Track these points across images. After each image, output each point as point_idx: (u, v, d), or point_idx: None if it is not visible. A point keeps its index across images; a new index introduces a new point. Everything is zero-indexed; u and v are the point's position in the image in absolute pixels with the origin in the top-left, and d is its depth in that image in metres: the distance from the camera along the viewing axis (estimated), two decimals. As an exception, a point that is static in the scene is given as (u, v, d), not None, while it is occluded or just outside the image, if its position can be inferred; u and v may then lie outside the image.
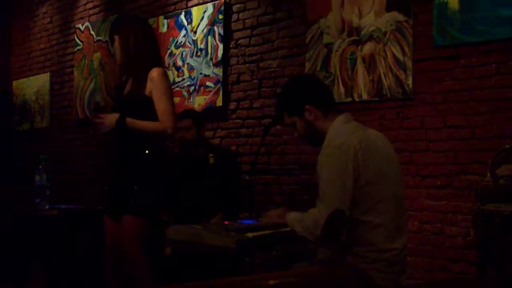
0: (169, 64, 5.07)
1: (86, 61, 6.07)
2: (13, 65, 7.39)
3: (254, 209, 3.41)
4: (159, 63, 3.19)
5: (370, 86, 3.72)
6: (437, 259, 3.38)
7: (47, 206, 3.94)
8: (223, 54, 4.64)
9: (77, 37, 6.23)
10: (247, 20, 4.55)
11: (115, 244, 3.13)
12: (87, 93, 6.02)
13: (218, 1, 4.69)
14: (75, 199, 5.80)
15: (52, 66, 6.68)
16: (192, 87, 4.87)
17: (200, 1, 4.90)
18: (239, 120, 4.57)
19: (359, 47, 3.78)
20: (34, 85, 6.90)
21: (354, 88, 3.80)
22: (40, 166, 3.96)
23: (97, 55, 5.93)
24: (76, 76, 6.21)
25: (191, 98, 4.86)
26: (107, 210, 3.20)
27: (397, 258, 2.23)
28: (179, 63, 5.00)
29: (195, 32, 4.88)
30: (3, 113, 7.16)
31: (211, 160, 3.50)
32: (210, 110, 4.70)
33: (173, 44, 5.06)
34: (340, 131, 2.31)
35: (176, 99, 4.74)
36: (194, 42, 4.88)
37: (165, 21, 5.16)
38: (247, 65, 4.52)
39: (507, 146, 2.83)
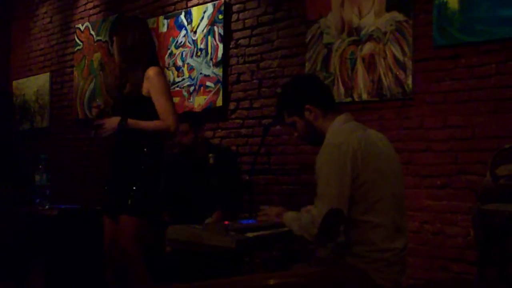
0: (169, 64, 5.07)
1: (86, 61, 6.07)
2: (13, 65, 7.39)
3: (254, 209, 3.41)
4: (156, 62, 3.19)
5: (370, 86, 3.72)
6: (437, 259, 3.38)
7: (47, 206, 3.94)
8: (223, 54, 4.64)
9: (77, 37, 6.23)
10: (247, 20, 4.55)
11: (114, 244, 3.13)
12: (87, 93, 6.03)
13: (218, 1, 4.69)
14: (75, 199, 5.80)
15: (52, 66, 6.68)
16: (192, 87, 4.87)
17: (200, 1, 4.90)
18: (239, 120, 4.57)
19: (359, 47, 3.78)
20: (34, 85, 6.90)
21: (354, 88, 3.80)
22: (40, 166, 3.95)
23: (97, 55, 5.93)
24: (76, 76, 6.21)
25: (191, 98, 4.86)
26: (106, 210, 3.20)
27: (397, 258, 2.23)
28: (179, 63, 5.00)
29: (195, 32, 4.88)
30: (3, 113, 7.15)
31: (211, 160, 3.50)
32: (210, 110, 4.70)
33: (173, 44, 5.07)
34: (340, 130, 2.31)
35: (176, 99, 4.74)
36: (194, 42, 4.88)
37: (165, 21, 5.16)
38: (247, 65, 4.52)
39: (507, 146, 2.83)
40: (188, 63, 4.93)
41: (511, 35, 3.14)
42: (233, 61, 4.62)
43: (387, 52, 3.63)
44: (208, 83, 4.74)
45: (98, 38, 5.93)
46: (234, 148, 4.53)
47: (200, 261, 3.27)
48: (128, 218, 3.04)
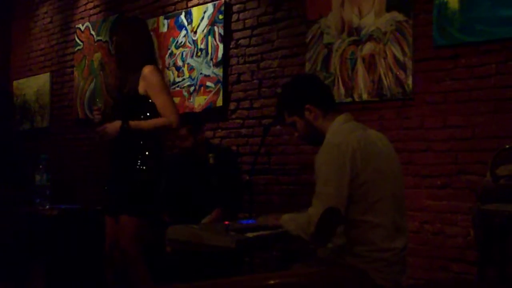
0: (169, 64, 5.07)
1: (86, 61, 6.07)
2: (13, 65, 7.40)
3: (254, 209, 3.41)
4: (152, 61, 3.18)
5: (370, 86, 3.72)
6: (437, 259, 3.38)
7: (47, 206, 3.95)
8: (223, 54, 4.64)
9: (77, 37, 6.23)
10: (247, 20, 4.55)
11: (115, 244, 3.13)
12: (88, 93, 6.03)
13: (218, 1, 4.69)
14: (75, 199, 5.81)
15: (52, 66, 6.69)
16: (192, 87, 4.87)
17: (200, 1, 4.90)
18: (239, 120, 4.57)
19: (359, 47, 3.78)
20: (34, 85, 6.91)
21: (354, 88, 3.80)
22: (40, 166, 3.96)
23: (97, 55, 5.93)
24: (76, 76, 6.21)
25: (191, 98, 4.86)
26: (107, 210, 3.20)
27: (397, 258, 2.23)
28: (179, 63, 5.00)
29: (195, 32, 4.88)
30: (3, 113, 7.16)
31: (211, 160, 3.50)
32: (210, 110, 4.70)
33: (173, 44, 5.07)
34: (340, 130, 2.31)
35: (176, 99, 4.75)
36: (194, 42, 4.88)
37: (165, 21, 5.16)
38: (247, 65, 4.52)
39: (507, 146, 2.82)
40: (188, 63, 4.93)
41: (511, 35, 3.14)
42: (233, 61, 4.62)
43: (387, 52, 3.63)
44: (208, 83, 4.74)
45: (99, 38, 5.93)
46: (234, 148, 4.53)
47: (200, 261, 3.27)
48: (128, 218, 3.04)
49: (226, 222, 2.55)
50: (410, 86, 3.52)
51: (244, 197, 3.79)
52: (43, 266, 3.86)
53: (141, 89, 3.07)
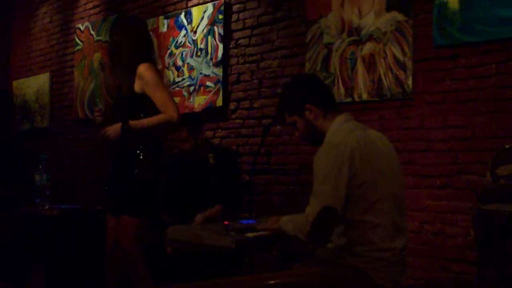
0: (169, 64, 5.07)
1: (86, 61, 6.07)
2: (13, 65, 7.39)
3: (254, 209, 3.41)
4: (148, 60, 3.18)
5: (370, 86, 3.72)
6: (437, 259, 3.38)
7: (47, 206, 3.94)
8: (223, 54, 4.64)
9: (77, 37, 6.23)
10: (247, 20, 4.55)
11: (117, 244, 3.13)
12: (88, 93, 6.03)
13: (218, 1, 4.69)
14: (75, 199, 5.81)
15: (52, 66, 6.68)
16: (192, 87, 4.87)
17: (200, 1, 4.90)
18: (239, 120, 4.57)
19: (359, 47, 3.78)
20: (34, 85, 6.91)
21: (354, 88, 3.80)
22: (40, 166, 3.96)
23: (97, 55, 5.93)
24: (76, 76, 6.21)
25: (191, 98, 4.86)
26: (108, 210, 3.20)
27: (397, 258, 2.23)
28: (179, 63, 5.00)
29: (195, 32, 4.88)
30: (3, 113, 7.15)
31: (211, 160, 3.50)
32: (210, 110, 4.70)
33: (173, 44, 5.07)
34: (339, 130, 2.31)
35: (176, 99, 4.74)
36: (194, 42, 4.88)
37: (165, 21, 5.16)
38: (247, 65, 4.52)
39: (507, 146, 2.83)
40: (188, 63, 4.93)
41: (511, 35, 3.14)
42: (233, 61, 4.62)
43: (387, 52, 3.63)
44: (208, 83, 4.74)
45: (98, 38, 5.93)
46: (234, 148, 4.53)
47: (200, 261, 3.27)
48: (128, 218, 3.05)
49: (226, 222, 2.55)
50: (410, 86, 3.52)
51: (244, 197, 3.79)
52: (43, 266, 3.86)
53: (137, 87, 3.07)
